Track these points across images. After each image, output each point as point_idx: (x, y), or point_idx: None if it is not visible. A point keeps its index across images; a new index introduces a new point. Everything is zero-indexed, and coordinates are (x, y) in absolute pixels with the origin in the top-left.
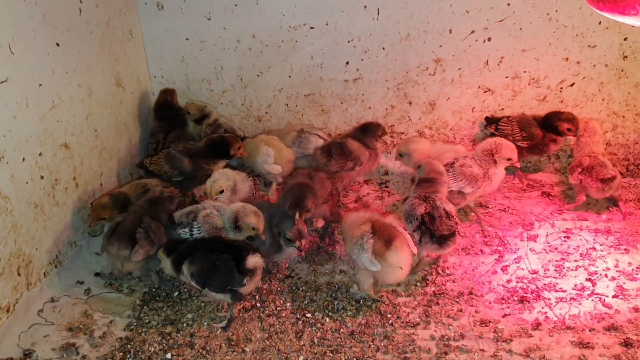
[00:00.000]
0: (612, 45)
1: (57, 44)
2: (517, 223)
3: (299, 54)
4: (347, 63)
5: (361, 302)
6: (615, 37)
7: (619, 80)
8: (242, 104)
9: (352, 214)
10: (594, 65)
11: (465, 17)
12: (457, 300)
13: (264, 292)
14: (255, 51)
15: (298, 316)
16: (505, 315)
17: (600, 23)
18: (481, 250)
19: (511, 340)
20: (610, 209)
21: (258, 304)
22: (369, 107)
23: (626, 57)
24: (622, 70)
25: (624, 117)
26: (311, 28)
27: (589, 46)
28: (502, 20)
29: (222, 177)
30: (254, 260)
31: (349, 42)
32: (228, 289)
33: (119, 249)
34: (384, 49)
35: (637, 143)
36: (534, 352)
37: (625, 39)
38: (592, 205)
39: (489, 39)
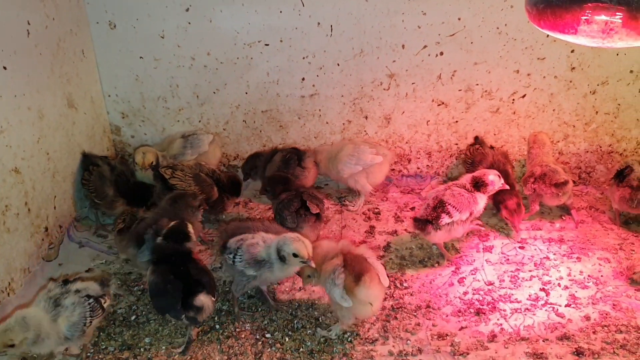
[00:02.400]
0: (561, 57)
1: (4, 67)
2: (474, 234)
3: (254, 70)
4: (303, 79)
5: (320, 320)
6: (563, 49)
7: (567, 91)
8: (199, 121)
9: (324, 243)
10: (544, 77)
11: (417, 32)
12: (415, 314)
13: (223, 313)
14: (211, 68)
15: (257, 337)
16: (462, 328)
17: (548, 36)
18: (438, 262)
19: (467, 354)
20: (564, 217)
21: (217, 326)
22: (326, 122)
23: (574, 68)
24: (571, 82)
25: (574, 126)
26: (266, 45)
27: (538, 58)
28: (453, 35)
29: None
30: (202, 300)
31: (303, 58)
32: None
33: (127, 246)
34: (338, 64)
35: (587, 152)
36: None
37: (572, 51)
38: (545, 214)
39: (441, 53)
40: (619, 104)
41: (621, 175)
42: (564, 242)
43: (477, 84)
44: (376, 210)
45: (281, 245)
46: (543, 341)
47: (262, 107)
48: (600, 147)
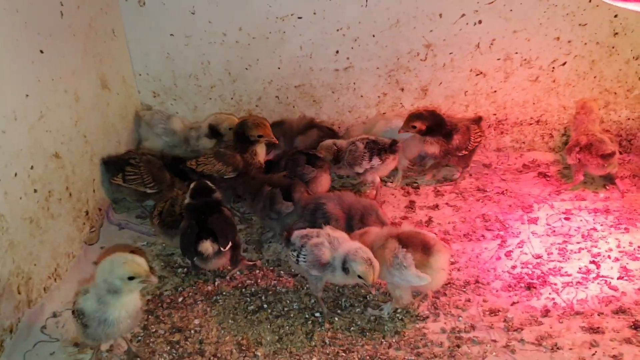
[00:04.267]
0: (603, 22)
1: (41, 51)
2: (517, 206)
3: (287, 45)
4: (337, 52)
5: (368, 298)
6: (606, 14)
7: (610, 57)
8: (232, 98)
9: (367, 235)
10: (585, 44)
11: (455, 1)
12: (464, 289)
13: (270, 292)
14: (243, 44)
15: (307, 316)
16: (513, 304)
17: (590, 1)
18: (483, 236)
19: (522, 329)
20: (607, 187)
21: (265, 305)
22: (361, 96)
23: (617, 34)
24: (613, 47)
25: (615, 94)
26: (299, 18)
27: (579, 25)
28: (492, 2)
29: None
30: (205, 246)
31: (338, 30)
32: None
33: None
34: (374, 36)
35: (629, 119)
36: (545, 340)
37: (616, 16)
38: (588, 184)
39: (480, 22)
40: None
41: None
42: (610, 212)
43: (517, 53)
44: (415, 184)
45: (349, 261)
46: (598, 315)
47: (295, 82)
48: None
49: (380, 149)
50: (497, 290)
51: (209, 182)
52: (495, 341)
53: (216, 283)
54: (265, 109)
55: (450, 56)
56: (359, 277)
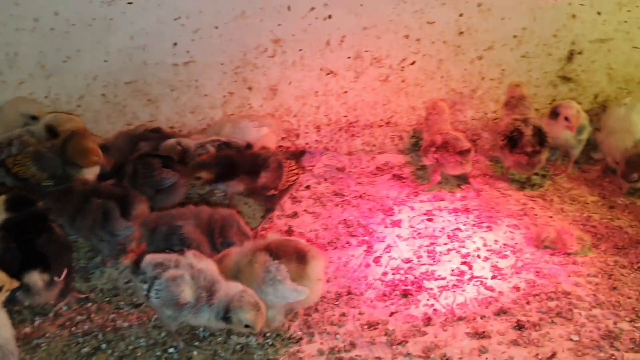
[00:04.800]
0: (450, 21)
1: None
2: (377, 209)
3: (115, 34)
4: (175, 44)
5: None
6: (452, 12)
7: (456, 56)
8: (47, 97)
9: (227, 257)
10: (433, 42)
11: None
12: (337, 303)
13: (108, 328)
14: (60, 32)
15: (158, 353)
16: (392, 314)
17: None
18: (348, 243)
19: (406, 342)
20: (462, 187)
21: (103, 345)
22: (205, 95)
23: (462, 33)
24: (459, 47)
25: (461, 93)
26: (129, 3)
27: (427, 22)
28: None
29: None
30: (31, 278)
31: (175, 19)
32: None
33: None
34: (217, 28)
35: (474, 119)
36: (433, 352)
37: (461, 14)
38: (443, 184)
39: (330, 17)
40: (504, 69)
41: (512, 141)
42: (470, 211)
43: (367, 51)
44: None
45: (235, 310)
46: (481, 318)
47: (125, 77)
48: (486, 113)
49: None
50: (372, 301)
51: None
52: (379, 358)
53: (35, 323)
54: (89, 109)
55: (300, 53)
56: (246, 326)
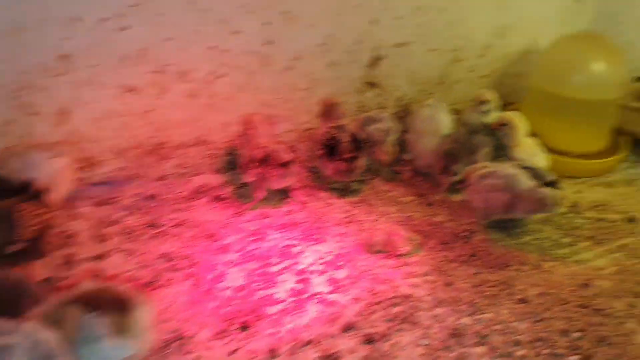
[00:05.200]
0: (256, 31)
1: None
2: (201, 236)
3: None
4: None
5: None
6: (258, 22)
7: (266, 68)
8: None
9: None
10: (241, 53)
11: (95, 1)
12: (167, 351)
13: None
14: None
15: None
16: (233, 352)
17: (243, 7)
18: (171, 279)
19: None
20: (286, 200)
21: None
22: None
23: (269, 42)
24: (268, 57)
25: (274, 105)
26: None
27: (233, 33)
28: (137, 5)
29: None
30: None
31: None
32: None
33: None
34: None
35: (288, 131)
36: None
37: (267, 23)
38: (267, 200)
39: (126, 28)
40: (313, 79)
41: (330, 149)
42: (298, 225)
43: (170, 64)
44: (68, 233)
45: None
46: (331, 338)
47: None
48: (300, 125)
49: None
50: (208, 341)
51: None
52: None
53: None
54: None
55: (94, 70)
56: None
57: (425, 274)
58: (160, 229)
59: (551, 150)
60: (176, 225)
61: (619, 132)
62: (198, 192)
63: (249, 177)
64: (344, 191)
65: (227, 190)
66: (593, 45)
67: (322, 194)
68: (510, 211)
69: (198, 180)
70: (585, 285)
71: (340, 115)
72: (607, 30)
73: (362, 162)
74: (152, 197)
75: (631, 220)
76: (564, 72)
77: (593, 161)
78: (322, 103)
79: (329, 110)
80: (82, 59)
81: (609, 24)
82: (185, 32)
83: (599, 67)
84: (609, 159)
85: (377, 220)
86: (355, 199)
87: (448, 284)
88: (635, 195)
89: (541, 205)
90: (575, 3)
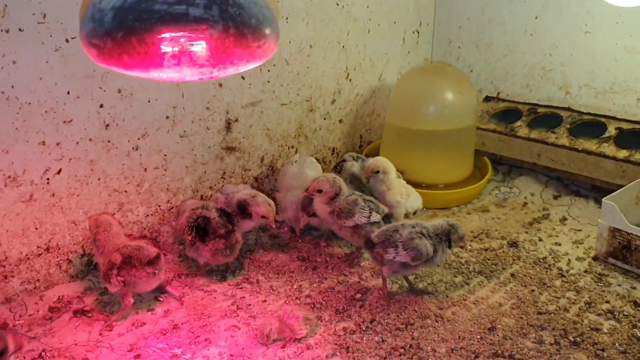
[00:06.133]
0: (90, 115)
1: None
2: None
3: None
4: None
5: None
6: (90, 105)
7: (108, 152)
8: None
9: None
10: (77, 143)
11: None
12: None
13: None
14: None
15: None
16: None
17: (68, 93)
18: None
19: None
20: (160, 298)
21: None
22: None
23: (108, 125)
24: (109, 141)
25: (126, 192)
26: None
27: (64, 122)
28: None
29: None
30: None
31: None
32: None
33: None
34: None
35: (147, 215)
36: None
37: (101, 105)
38: (138, 304)
39: None
40: (165, 155)
41: (199, 230)
42: (180, 327)
43: None
44: None
45: None
46: None
47: None
48: (160, 206)
49: None
50: None
51: None
52: None
53: None
54: None
55: None
56: None
57: (330, 356)
58: None
59: (418, 184)
60: (35, 359)
61: (478, 155)
62: (55, 309)
63: (113, 287)
64: (223, 272)
65: (90, 300)
66: (439, 74)
67: (200, 281)
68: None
69: (53, 294)
70: (492, 328)
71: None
72: (446, 57)
73: (238, 235)
74: (1, 327)
75: (513, 244)
76: (416, 106)
77: (462, 189)
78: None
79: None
80: None
81: (447, 50)
82: (6, 131)
83: (449, 96)
84: (477, 184)
85: (266, 300)
86: (238, 278)
87: None
88: (509, 216)
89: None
90: (414, 34)
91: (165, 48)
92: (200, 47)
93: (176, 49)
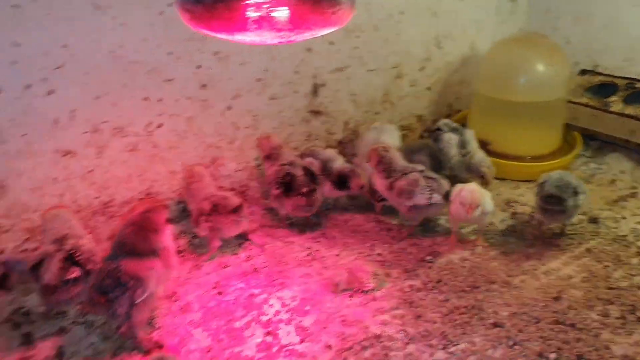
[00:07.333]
0: (188, 76)
1: None
2: (160, 297)
3: None
4: None
5: None
6: (189, 66)
7: (204, 111)
8: None
9: None
10: (177, 100)
11: (14, 69)
12: None
13: None
14: None
15: None
16: None
17: (170, 54)
18: (130, 355)
19: None
20: (243, 245)
21: None
22: None
23: (204, 85)
24: (205, 100)
25: (219, 147)
26: None
27: (165, 81)
28: (61, 67)
29: None
30: None
31: None
32: None
33: None
34: None
35: (237, 170)
36: None
37: (199, 67)
38: (224, 248)
39: (52, 92)
40: (255, 115)
41: (286, 185)
42: (259, 271)
43: (105, 122)
44: None
45: None
46: None
47: None
48: (249, 162)
49: None
50: None
51: None
52: None
53: None
54: None
55: (25, 138)
56: None
57: (394, 309)
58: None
59: (505, 156)
60: None
61: (569, 130)
62: None
63: (201, 231)
64: (303, 226)
65: (183, 242)
66: (532, 45)
67: (281, 233)
68: None
69: None
70: (558, 298)
71: (278, 148)
72: (542, 28)
73: (320, 194)
74: None
75: (593, 220)
76: (507, 76)
77: (548, 162)
78: (262, 147)
79: (273, 153)
80: (10, 129)
81: (544, 21)
82: (114, 87)
83: (541, 68)
84: (563, 158)
85: (339, 254)
86: (315, 233)
87: (418, 317)
88: (594, 192)
89: None
90: (510, 3)
91: (250, 13)
92: (282, 13)
93: (259, 14)
